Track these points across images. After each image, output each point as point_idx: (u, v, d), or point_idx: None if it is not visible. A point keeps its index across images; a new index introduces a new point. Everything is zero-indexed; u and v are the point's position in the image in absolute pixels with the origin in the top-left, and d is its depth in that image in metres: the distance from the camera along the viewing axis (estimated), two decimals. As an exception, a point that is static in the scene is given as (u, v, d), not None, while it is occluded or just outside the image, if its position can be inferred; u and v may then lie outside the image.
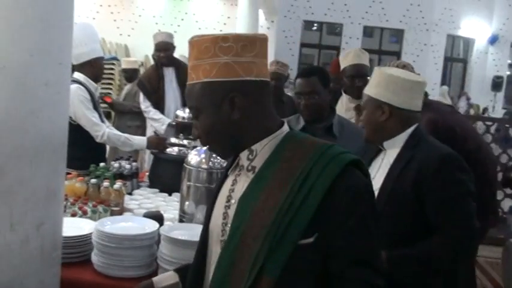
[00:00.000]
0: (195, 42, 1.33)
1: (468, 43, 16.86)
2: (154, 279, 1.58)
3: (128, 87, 6.64)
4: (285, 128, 1.38)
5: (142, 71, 11.70)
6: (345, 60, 3.93)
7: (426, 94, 3.02)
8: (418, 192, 1.98)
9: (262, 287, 1.23)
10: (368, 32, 16.56)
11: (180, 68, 4.75)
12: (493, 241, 5.24)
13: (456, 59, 17.20)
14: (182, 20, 12.81)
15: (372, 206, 1.31)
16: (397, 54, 16.09)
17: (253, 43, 1.32)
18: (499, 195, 6.03)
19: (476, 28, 16.28)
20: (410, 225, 2.02)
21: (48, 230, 1.81)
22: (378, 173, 2.13)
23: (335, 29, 16.59)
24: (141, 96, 4.87)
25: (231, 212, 1.34)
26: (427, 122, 2.86)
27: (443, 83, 15.79)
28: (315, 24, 16.80)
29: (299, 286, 1.25)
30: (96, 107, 3.29)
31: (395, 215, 2.00)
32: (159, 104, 4.70)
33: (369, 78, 3.10)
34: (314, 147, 1.31)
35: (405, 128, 2.10)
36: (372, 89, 2.14)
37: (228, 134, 1.35)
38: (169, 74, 4.82)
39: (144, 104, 4.77)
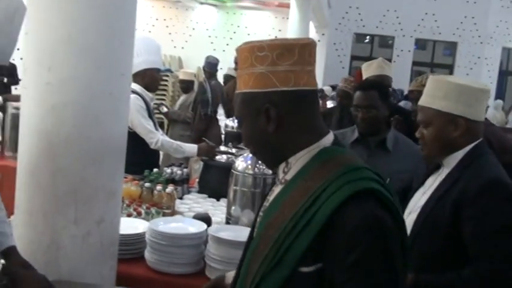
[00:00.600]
0: (239, 51, 1.30)
1: (524, 56, 16.48)
2: (228, 273, 1.65)
3: (183, 97, 6.95)
4: (324, 142, 1.28)
5: (195, 82, 12.06)
6: (368, 70, 3.85)
7: None
8: (456, 217, 1.83)
9: None
10: (420, 44, 16.43)
11: None
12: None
13: (511, 73, 16.82)
14: (234, 33, 13.13)
15: (385, 242, 1.14)
16: (450, 67, 15.89)
17: (291, 50, 1.24)
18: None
19: (533, 41, 15.89)
20: (444, 251, 1.88)
21: (107, 226, 1.99)
22: (429, 190, 1.99)
23: (387, 42, 16.53)
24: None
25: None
26: None
27: (497, 96, 15.44)
28: (367, 37, 16.80)
29: None
30: (151, 116, 3.49)
31: (429, 238, 1.88)
32: (232, 112, 5.09)
33: (391, 89, 3.10)
34: (338, 167, 1.21)
35: (473, 141, 1.93)
36: (438, 102, 1.91)
37: (266, 145, 1.30)
38: None
39: (220, 111, 5.27)
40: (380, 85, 2.86)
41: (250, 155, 2.56)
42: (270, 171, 2.49)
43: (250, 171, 2.49)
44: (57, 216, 1.90)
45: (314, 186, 1.18)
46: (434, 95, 1.93)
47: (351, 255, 1.10)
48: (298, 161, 1.27)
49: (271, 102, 1.24)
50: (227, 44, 13.06)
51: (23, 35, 1.83)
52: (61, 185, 1.88)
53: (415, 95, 2.90)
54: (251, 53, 1.26)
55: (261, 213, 1.37)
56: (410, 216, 1.97)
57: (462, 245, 1.82)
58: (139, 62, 3.35)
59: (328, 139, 1.29)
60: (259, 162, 2.50)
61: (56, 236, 1.89)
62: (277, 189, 1.31)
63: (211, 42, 13.11)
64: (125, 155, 2.06)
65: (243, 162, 2.53)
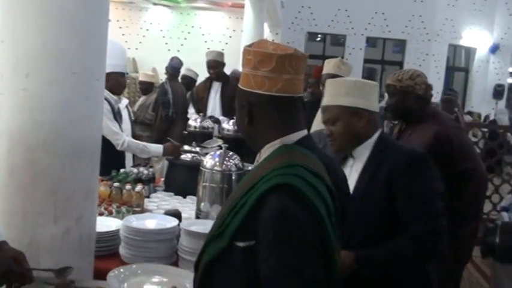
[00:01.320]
0: (243, 52, 1.50)
1: (469, 52, 17.16)
2: None
3: (142, 99, 6.99)
4: (287, 139, 1.45)
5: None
6: (326, 67, 3.97)
7: (429, 102, 3.17)
8: (389, 193, 2.05)
9: (199, 269, 1.41)
10: (371, 42, 16.87)
11: (227, 83, 5.49)
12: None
13: (458, 68, 17.50)
14: (189, 33, 13.17)
15: (295, 233, 1.28)
16: (400, 64, 16.38)
17: (270, 58, 1.41)
18: (495, 198, 6.29)
19: (477, 37, 16.58)
20: (385, 227, 2.08)
21: (86, 223, 2.09)
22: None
23: (338, 40, 16.90)
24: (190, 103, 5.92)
25: None
26: (433, 133, 3.01)
27: (445, 92, 16.04)
28: (319, 36, 17.12)
29: (226, 278, 1.35)
30: (116, 118, 3.58)
31: (369, 218, 2.08)
32: (201, 111, 5.27)
33: None
34: (282, 161, 1.37)
35: (375, 131, 2.17)
36: (342, 99, 2.14)
37: (245, 134, 1.53)
38: (216, 87, 5.72)
39: (190, 110, 5.43)
40: None
41: (218, 153, 2.71)
42: (237, 168, 2.64)
43: (218, 168, 2.64)
44: (37, 216, 1.99)
45: (260, 174, 1.37)
46: (337, 94, 2.17)
47: (267, 237, 1.28)
48: (265, 153, 1.48)
49: (248, 100, 1.47)
50: (181, 45, 13.10)
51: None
52: (40, 185, 1.97)
53: (391, 89, 3.06)
54: (244, 55, 1.48)
55: None
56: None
57: (397, 218, 2.06)
58: None
59: (293, 137, 1.46)
60: (227, 159, 2.66)
61: (36, 235, 1.97)
62: None
63: (166, 43, 13.11)
64: (99, 155, 2.16)
65: (211, 160, 2.67)
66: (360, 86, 2.16)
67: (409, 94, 3.05)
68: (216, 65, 5.54)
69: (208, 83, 5.80)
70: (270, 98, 1.44)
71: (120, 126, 3.62)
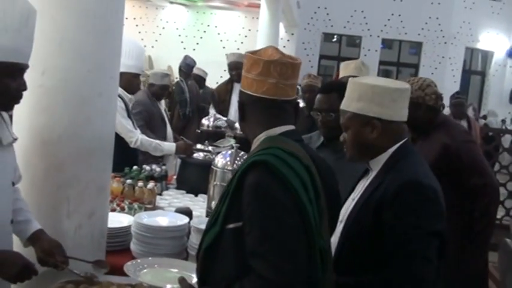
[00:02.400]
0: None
1: (487, 56, 17.01)
2: None
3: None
4: (271, 132, 1.56)
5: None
6: (345, 70, 3.80)
7: (442, 107, 3.11)
8: (377, 221, 1.78)
9: (200, 256, 1.52)
10: (387, 44, 16.80)
11: None
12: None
13: (474, 72, 17.34)
14: (205, 32, 13.22)
15: (269, 205, 1.36)
16: (416, 67, 16.31)
17: (257, 64, 1.57)
18: (508, 203, 6.24)
19: (494, 41, 16.43)
20: (367, 253, 1.81)
21: (98, 219, 2.13)
22: (358, 196, 1.94)
23: (354, 41, 16.85)
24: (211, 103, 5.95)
25: None
26: (441, 146, 2.95)
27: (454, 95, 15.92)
28: (335, 36, 17.09)
29: (222, 262, 1.44)
30: (130, 116, 3.62)
31: (354, 241, 1.84)
32: (223, 113, 5.36)
33: None
34: (260, 147, 1.50)
35: (396, 142, 1.89)
36: (353, 104, 1.89)
37: (242, 130, 1.73)
38: (238, 89, 5.59)
39: (211, 111, 5.53)
40: (342, 87, 2.40)
41: (229, 152, 2.73)
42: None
43: (230, 167, 2.66)
44: (51, 211, 2.03)
45: (245, 162, 1.49)
46: (350, 97, 1.91)
47: (246, 213, 1.39)
48: (253, 146, 1.60)
49: (241, 99, 1.65)
50: (197, 44, 13.16)
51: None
52: (54, 181, 2.02)
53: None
54: (244, 60, 1.65)
55: None
56: (340, 225, 1.93)
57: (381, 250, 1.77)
58: None
59: (276, 130, 1.58)
60: (238, 158, 2.68)
61: (49, 229, 2.00)
62: None
63: (182, 42, 13.19)
64: (113, 151, 2.20)
65: (223, 159, 2.70)
66: (377, 91, 1.84)
67: (420, 105, 2.98)
68: (237, 66, 5.52)
69: (230, 85, 5.79)
70: (256, 99, 1.59)
71: (133, 123, 3.66)
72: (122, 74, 3.60)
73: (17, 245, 1.93)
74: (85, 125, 2.02)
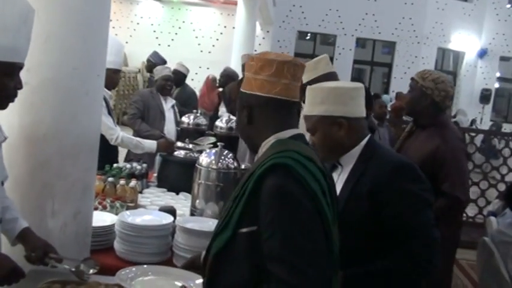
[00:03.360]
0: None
1: (458, 56, 17.34)
2: (203, 251, 1.81)
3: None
4: (280, 135, 1.54)
5: (139, 77, 11.92)
6: (317, 69, 3.47)
7: (444, 108, 3.06)
8: (372, 206, 1.90)
9: (207, 262, 1.50)
10: (360, 43, 16.97)
11: None
12: (475, 246, 5.57)
13: (446, 72, 17.58)
14: (180, 28, 13.14)
15: (291, 208, 1.35)
16: (389, 66, 16.54)
17: (270, 64, 1.53)
18: (481, 202, 6.39)
19: (466, 42, 16.75)
20: (367, 242, 1.92)
21: (83, 218, 2.11)
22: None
23: (328, 40, 16.98)
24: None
25: None
26: (432, 146, 2.93)
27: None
28: (309, 34, 17.18)
29: (234, 267, 1.42)
30: (110, 113, 3.58)
31: (351, 232, 1.81)
32: (234, 113, 5.20)
33: None
34: (274, 150, 1.47)
35: (362, 138, 2.03)
36: (317, 108, 2.01)
37: (243, 134, 1.66)
38: None
39: (222, 109, 5.43)
40: None
41: (214, 151, 2.73)
42: (233, 166, 2.67)
43: (214, 166, 2.66)
44: (35, 210, 2.00)
45: (256, 165, 1.48)
46: (313, 102, 2.02)
47: (267, 217, 1.36)
48: (262, 150, 1.57)
49: (248, 102, 1.58)
50: (172, 40, 13.10)
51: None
52: (39, 179, 1.98)
53: (413, 83, 3.03)
54: (247, 61, 1.61)
55: None
56: None
57: (385, 231, 1.89)
58: None
59: (285, 134, 1.56)
60: (223, 157, 2.68)
61: (34, 229, 1.95)
62: None
63: (156, 38, 13.09)
64: (98, 150, 2.17)
65: (207, 158, 2.69)
66: (338, 93, 1.99)
67: (427, 96, 3.01)
68: None
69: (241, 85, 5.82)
70: (268, 100, 1.54)
71: (114, 120, 3.62)
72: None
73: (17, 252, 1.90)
74: (71, 123, 2.00)
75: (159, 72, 4.92)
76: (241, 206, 1.42)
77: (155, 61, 6.97)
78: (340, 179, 2.03)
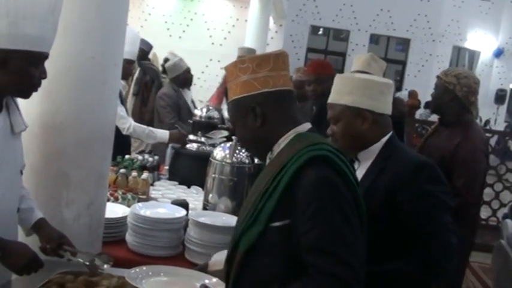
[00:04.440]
0: (226, 68, 1.62)
1: (473, 55, 17.20)
2: (210, 261, 1.86)
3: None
4: (299, 129, 1.56)
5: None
6: (356, 64, 3.84)
7: (468, 105, 3.04)
8: (390, 205, 1.88)
9: (235, 258, 1.49)
10: (374, 39, 16.88)
11: None
12: (488, 248, 5.55)
13: (461, 71, 17.50)
14: (191, 20, 13.09)
15: (335, 199, 1.38)
16: (403, 63, 16.44)
17: (267, 60, 1.56)
18: (495, 204, 6.35)
19: (482, 41, 16.62)
20: (378, 241, 1.81)
21: (96, 209, 2.12)
22: None
23: (342, 35, 16.91)
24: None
25: None
26: (453, 146, 2.93)
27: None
28: (321, 29, 17.12)
29: (266, 262, 1.43)
30: (122, 103, 3.59)
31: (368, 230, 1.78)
32: None
33: None
34: (303, 143, 1.48)
35: (384, 135, 2.01)
36: (344, 97, 1.99)
37: (255, 140, 1.61)
38: None
39: (223, 107, 5.45)
40: None
41: (228, 145, 2.72)
42: (247, 161, 2.66)
43: (229, 160, 2.66)
44: (49, 200, 2.01)
45: (284, 159, 1.48)
46: (341, 91, 2.01)
47: (309, 209, 1.37)
48: (279, 147, 1.56)
49: (256, 102, 1.56)
50: (183, 31, 13.03)
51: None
52: (53, 169, 2.00)
53: (437, 80, 3.09)
54: (235, 67, 1.58)
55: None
56: None
57: (399, 231, 1.87)
58: None
59: (304, 127, 1.58)
60: (237, 151, 2.67)
61: (47, 219, 1.96)
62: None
63: (167, 29, 13.04)
64: (113, 140, 2.18)
65: (222, 152, 2.69)
66: (369, 85, 1.98)
67: (449, 92, 3.03)
68: None
69: None
70: (277, 93, 1.56)
71: (126, 110, 3.63)
72: None
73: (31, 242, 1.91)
74: (87, 113, 2.01)
75: (178, 67, 4.84)
76: (275, 199, 1.42)
77: (146, 48, 6.82)
78: (357, 174, 1.94)
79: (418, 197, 1.88)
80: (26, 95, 1.76)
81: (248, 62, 1.57)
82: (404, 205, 1.87)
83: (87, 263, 1.86)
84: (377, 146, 2.00)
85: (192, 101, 4.98)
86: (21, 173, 1.86)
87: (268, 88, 1.55)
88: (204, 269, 1.86)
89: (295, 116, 1.59)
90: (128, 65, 3.64)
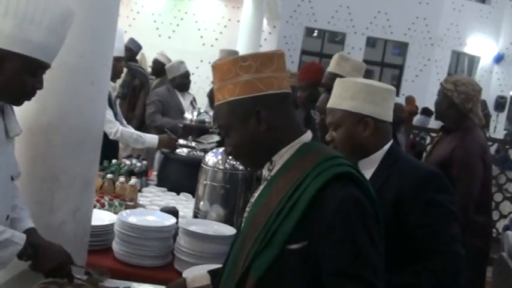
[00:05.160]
0: (217, 66, 1.50)
1: (473, 60, 17.30)
2: (188, 278, 1.81)
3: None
4: (304, 138, 1.49)
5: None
6: (330, 65, 3.75)
7: (465, 112, 3.09)
8: (397, 216, 1.87)
9: (247, 284, 1.38)
10: (371, 42, 16.94)
11: None
12: (489, 261, 5.56)
13: (460, 76, 17.60)
14: (182, 19, 13.08)
15: (363, 219, 1.35)
16: (400, 68, 16.51)
17: (271, 59, 1.47)
18: (495, 215, 6.37)
19: (482, 46, 16.72)
20: (389, 254, 1.84)
21: (82, 216, 2.09)
22: None
23: (337, 38, 16.95)
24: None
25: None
26: (449, 152, 3.01)
27: (445, 100, 16.15)
28: (316, 31, 17.16)
29: (283, 287, 1.36)
30: (112, 106, 3.57)
31: None
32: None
33: None
34: (317, 157, 1.42)
35: (385, 143, 2.01)
36: (345, 102, 1.97)
37: (256, 146, 1.50)
38: None
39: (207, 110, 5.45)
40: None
41: (220, 150, 2.71)
42: (241, 167, 2.65)
43: (221, 166, 2.64)
44: (33, 205, 1.98)
45: (297, 174, 1.40)
46: (342, 96, 1.99)
47: (335, 232, 1.31)
48: (281, 158, 1.48)
49: (261, 105, 1.46)
50: (173, 31, 13.02)
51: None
52: (39, 173, 1.97)
53: (439, 87, 3.22)
54: (234, 65, 1.46)
55: (247, 209, 1.57)
56: None
57: (407, 243, 1.87)
58: None
59: (308, 136, 1.51)
60: (230, 157, 2.66)
61: (31, 225, 1.96)
62: (262, 187, 1.54)
63: (157, 28, 13.03)
64: (101, 143, 2.16)
65: (214, 157, 2.68)
66: (371, 90, 1.97)
67: (447, 98, 3.14)
68: None
69: None
70: (281, 96, 1.48)
71: (116, 114, 3.62)
72: None
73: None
74: (75, 114, 1.99)
75: (175, 69, 4.90)
76: (294, 220, 1.35)
77: (135, 49, 6.79)
78: None
79: (425, 207, 1.88)
80: (17, 102, 1.76)
81: (251, 59, 1.46)
82: (412, 216, 1.87)
83: (85, 279, 1.87)
84: (378, 155, 2.00)
85: (192, 103, 4.99)
86: (12, 179, 1.83)
87: (273, 90, 1.46)
88: (180, 285, 1.80)
89: (299, 123, 1.54)
90: (116, 63, 3.61)
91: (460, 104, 3.09)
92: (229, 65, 1.47)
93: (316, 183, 1.35)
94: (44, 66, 1.72)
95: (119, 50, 3.64)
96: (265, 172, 1.53)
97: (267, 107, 1.46)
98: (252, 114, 1.46)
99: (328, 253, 1.32)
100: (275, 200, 1.40)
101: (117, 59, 3.61)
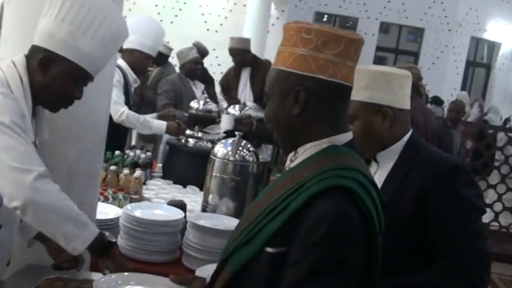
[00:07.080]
0: (286, 28, 1.42)
1: (493, 47, 17.20)
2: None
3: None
4: (336, 139, 1.41)
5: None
6: None
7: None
8: (419, 211, 1.86)
9: (223, 275, 1.38)
10: (384, 28, 16.88)
11: (256, 69, 5.45)
12: (508, 258, 5.57)
13: (479, 64, 17.54)
14: (184, 3, 13.09)
15: (344, 237, 1.27)
16: (415, 55, 16.44)
17: (338, 41, 1.37)
18: (497, 207, 6.38)
19: (503, 32, 16.62)
20: (412, 250, 1.90)
21: (87, 209, 2.08)
22: None
23: (349, 23, 16.89)
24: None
25: None
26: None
27: (462, 88, 16.11)
28: (326, 16, 17.10)
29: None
30: (127, 93, 3.62)
31: (393, 237, 1.74)
32: (232, 101, 5.25)
33: None
34: (333, 163, 1.35)
35: (404, 133, 1.98)
36: (360, 93, 1.90)
37: (285, 128, 1.44)
38: (245, 74, 5.61)
39: (220, 97, 5.50)
40: None
41: (230, 141, 2.73)
42: (251, 159, 2.66)
43: (231, 158, 2.66)
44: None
45: (305, 175, 1.34)
46: (355, 86, 1.88)
47: (308, 240, 1.25)
48: (305, 152, 1.42)
49: (303, 86, 1.38)
50: (175, 16, 13.05)
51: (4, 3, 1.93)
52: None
53: None
54: (297, 33, 1.39)
55: None
56: None
57: (428, 238, 1.86)
58: (131, 39, 3.45)
59: (342, 138, 1.43)
60: (240, 148, 2.68)
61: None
62: (279, 175, 1.54)
63: (158, 13, 13.00)
64: (106, 133, 2.18)
65: (223, 148, 2.69)
66: (387, 78, 1.93)
67: None
68: (237, 53, 5.45)
69: (237, 71, 5.69)
70: (330, 85, 1.39)
71: (128, 103, 3.66)
72: (134, 51, 3.67)
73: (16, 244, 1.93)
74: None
75: (185, 55, 4.92)
76: (280, 221, 1.31)
77: (167, 53, 6.88)
78: (376, 178, 1.87)
79: (451, 202, 1.85)
80: (53, 108, 1.87)
81: (314, 34, 1.37)
82: (436, 211, 1.85)
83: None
84: (398, 146, 1.96)
85: (203, 92, 5.00)
86: None
87: (325, 75, 1.37)
88: (185, 282, 1.72)
89: (340, 121, 1.44)
90: (146, 60, 3.73)
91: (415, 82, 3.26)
92: (292, 32, 1.40)
93: (311, 190, 1.30)
94: (87, 77, 1.85)
95: (153, 50, 3.75)
96: (288, 161, 1.48)
97: (310, 91, 1.38)
98: (292, 92, 1.39)
99: (297, 257, 1.27)
100: (274, 196, 1.38)
101: (147, 57, 3.71)
